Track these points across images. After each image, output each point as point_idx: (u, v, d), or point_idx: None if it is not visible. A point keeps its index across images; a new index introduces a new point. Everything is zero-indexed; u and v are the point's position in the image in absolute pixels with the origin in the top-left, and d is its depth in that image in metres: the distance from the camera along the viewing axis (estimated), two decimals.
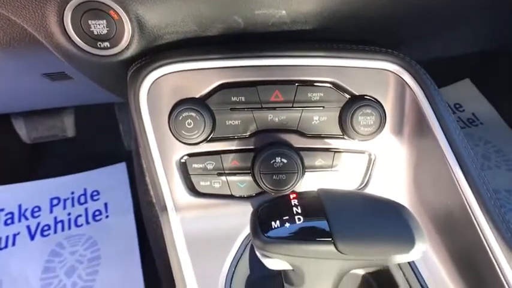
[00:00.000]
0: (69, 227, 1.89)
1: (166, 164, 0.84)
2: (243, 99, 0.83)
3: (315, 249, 0.64)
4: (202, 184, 0.87)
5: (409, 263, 0.87)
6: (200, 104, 0.81)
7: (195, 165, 0.86)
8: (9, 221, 1.90)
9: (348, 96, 0.85)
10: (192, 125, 0.80)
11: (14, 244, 1.83)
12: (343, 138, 0.87)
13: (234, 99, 0.83)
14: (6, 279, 1.71)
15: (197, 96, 0.83)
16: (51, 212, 1.95)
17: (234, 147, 0.86)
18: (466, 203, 0.77)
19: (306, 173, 0.86)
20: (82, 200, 1.99)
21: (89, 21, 0.71)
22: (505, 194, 1.81)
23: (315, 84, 0.85)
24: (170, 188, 0.85)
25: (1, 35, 0.77)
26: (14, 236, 1.85)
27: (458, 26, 1.05)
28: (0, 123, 2.13)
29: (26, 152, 2.21)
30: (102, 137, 2.24)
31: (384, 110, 0.84)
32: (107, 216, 1.93)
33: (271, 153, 0.82)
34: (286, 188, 0.83)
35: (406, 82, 0.84)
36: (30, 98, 1.51)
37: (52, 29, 0.72)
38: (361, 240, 0.65)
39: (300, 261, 0.67)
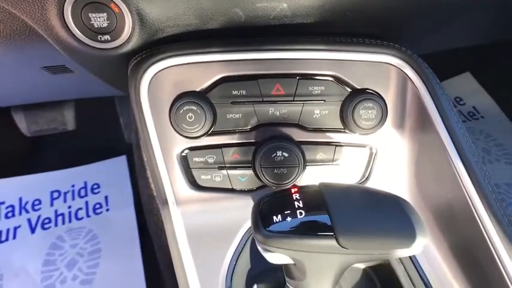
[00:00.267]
0: (70, 220, 1.90)
1: (167, 157, 0.84)
2: (244, 92, 0.83)
3: (317, 243, 0.64)
4: (203, 178, 0.87)
5: (409, 256, 0.87)
6: (201, 97, 0.81)
7: (196, 159, 0.85)
8: (9, 214, 1.91)
9: (349, 89, 0.85)
10: (193, 118, 0.80)
11: (14, 237, 1.83)
12: (344, 132, 0.87)
13: (234, 92, 0.83)
14: (7, 272, 1.72)
15: (198, 89, 0.82)
16: (51, 205, 1.95)
17: (235, 141, 0.86)
18: (467, 196, 0.77)
19: (307, 167, 0.86)
20: (82, 193, 1.99)
21: (90, 14, 0.71)
22: (505, 187, 1.82)
23: (316, 77, 0.84)
24: (171, 182, 0.85)
25: (1, 28, 0.77)
26: (15, 229, 1.86)
27: (460, 19, 1.05)
28: (1, 116, 2.13)
29: (26, 145, 2.21)
30: (103, 130, 2.24)
31: (386, 104, 0.83)
32: (107, 210, 1.94)
33: (272, 147, 0.82)
34: (287, 181, 0.83)
35: (407, 76, 0.84)
36: (30, 91, 1.50)
37: (52, 22, 0.72)
38: (363, 235, 0.65)
39: (302, 255, 0.67)
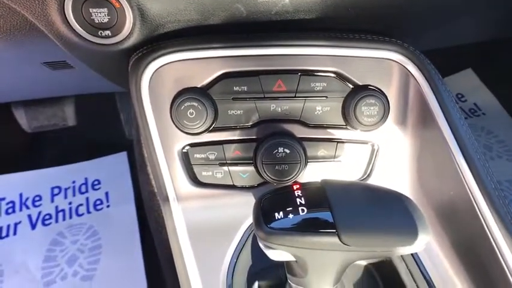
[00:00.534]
0: (70, 216, 1.90)
1: (168, 153, 0.84)
2: (245, 88, 0.83)
3: (319, 240, 0.64)
4: (204, 174, 0.86)
5: (411, 253, 0.87)
6: (202, 93, 0.80)
7: (197, 155, 0.85)
8: (10, 210, 1.91)
9: (351, 86, 0.84)
10: (194, 114, 0.79)
11: (15, 233, 1.83)
12: (346, 128, 0.87)
13: (236, 88, 0.83)
14: (8, 268, 1.72)
15: (199, 85, 0.82)
16: (52, 201, 1.95)
17: (236, 137, 0.85)
18: (469, 193, 0.77)
19: (308, 163, 0.85)
20: (83, 189, 1.99)
21: (90, 10, 0.70)
22: (507, 184, 1.81)
23: (318, 73, 0.84)
24: (172, 178, 0.85)
25: (1, 23, 0.76)
26: (15, 225, 1.86)
27: (461, 17, 1.04)
28: (1, 112, 2.12)
29: (27, 141, 2.21)
30: (103, 126, 2.24)
31: (388, 100, 0.83)
32: (108, 206, 1.94)
33: (273, 143, 0.82)
34: (288, 178, 0.83)
35: (410, 72, 0.84)
36: (30, 86, 1.50)
37: (53, 18, 0.71)
38: (365, 232, 0.64)
39: (303, 252, 0.66)
